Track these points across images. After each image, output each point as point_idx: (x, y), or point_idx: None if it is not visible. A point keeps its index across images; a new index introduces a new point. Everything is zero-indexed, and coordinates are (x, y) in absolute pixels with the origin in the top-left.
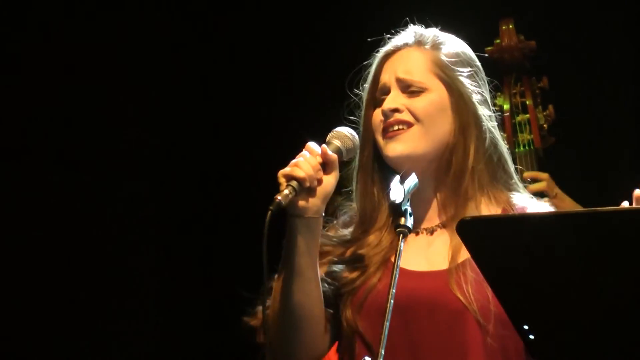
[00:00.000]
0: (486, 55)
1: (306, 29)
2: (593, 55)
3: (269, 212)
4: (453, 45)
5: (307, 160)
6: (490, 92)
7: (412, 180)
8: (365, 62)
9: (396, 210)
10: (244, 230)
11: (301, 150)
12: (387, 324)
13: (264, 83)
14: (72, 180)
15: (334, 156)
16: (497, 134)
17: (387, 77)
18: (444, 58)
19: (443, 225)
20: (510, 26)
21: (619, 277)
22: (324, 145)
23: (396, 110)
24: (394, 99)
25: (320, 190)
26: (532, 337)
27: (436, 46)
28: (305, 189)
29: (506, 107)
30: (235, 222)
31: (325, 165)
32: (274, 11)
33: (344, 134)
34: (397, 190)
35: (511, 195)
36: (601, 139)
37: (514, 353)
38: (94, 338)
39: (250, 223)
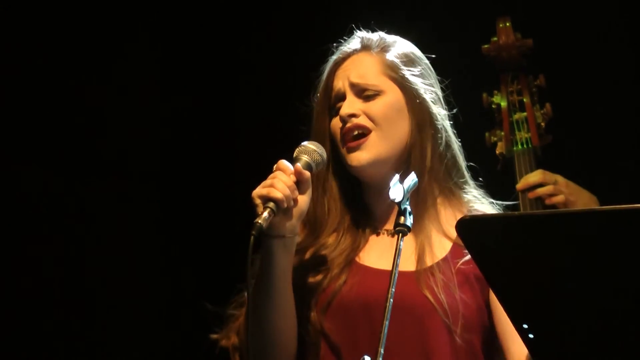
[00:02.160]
0: (483, 52)
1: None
2: (591, 53)
3: (252, 237)
4: (400, 46)
5: (282, 181)
6: (486, 89)
7: (412, 179)
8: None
9: (355, 211)
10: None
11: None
12: (386, 322)
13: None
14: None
15: (308, 174)
16: (451, 132)
17: (340, 84)
18: (393, 59)
19: None
20: (508, 24)
21: (619, 276)
22: (297, 164)
23: (353, 115)
24: (351, 104)
25: (296, 210)
26: (531, 336)
27: (385, 48)
28: (282, 209)
29: (503, 105)
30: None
31: (299, 184)
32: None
33: (312, 149)
34: (397, 190)
35: (464, 195)
36: (599, 137)
37: (481, 354)
38: (87, 342)
39: (212, 242)
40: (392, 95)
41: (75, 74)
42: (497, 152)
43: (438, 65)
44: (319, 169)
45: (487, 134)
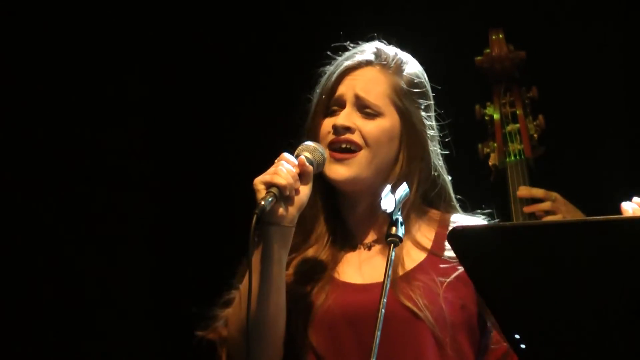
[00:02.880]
0: (476, 64)
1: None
2: (583, 65)
3: (254, 216)
4: (413, 71)
5: (286, 170)
6: (479, 101)
7: (403, 189)
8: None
9: (334, 223)
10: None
11: (273, 161)
12: (378, 333)
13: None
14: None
15: (310, 167)
16: (443, 171)
17: (344, 90)
18: (404, 86)
19: (379, 241)
20: (500, 36)
21: (611, 286)
22: (301, 157)
23: (348, 129)
24: (348, 116)
25: (297, 200)
26: (523, 346)
27: (399, 71)
28: (284, 197)
29: (496, 116)
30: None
31: (301, 176)
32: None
33: (313, 147)
34: (389, 200)
35: (448, 216)
36: (591, 148)
37: (470, 355)
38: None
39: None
40: (390, 122)
41: (71, 80)
42: (490, 163)
43: (431, 77)
44: (319, 170)
45: (480, 146)
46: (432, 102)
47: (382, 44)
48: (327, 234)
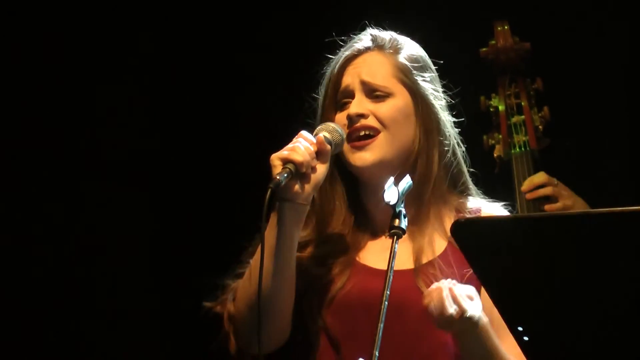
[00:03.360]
0: (481, 56)
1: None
2: (588, 56)
3: (269, 190)
4: (411, 48)
5: (304, 146)
6: (483, 92)
7: (406, 181)
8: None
9: (356, 211)
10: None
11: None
12: (381, 325)
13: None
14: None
15: (328, 146)
16: (458, 140)
17: (350, 80)
18: (406, 62)
19: None
20: (506, 27)
21: (613, 279)
22: (319, 135)
23: (362, 115)
24: (360, 103)
25: (313, 178)
26: (526, 338)
27: (396, 50)
28: (300, 174)
29: (501, 108)
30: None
31: (319, 155)
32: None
33: (332, 127)
34: (392, 192)
35: (467, 200)
36: (596, 140)
37: None
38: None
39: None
40: (402, 99)
41: (71, 76)
42: (495, 155)
43: (436, 68)
44: (337, 151)
45: (484, 137)
46: (435, 74)
47: (376, 30)
48: (347, 222)
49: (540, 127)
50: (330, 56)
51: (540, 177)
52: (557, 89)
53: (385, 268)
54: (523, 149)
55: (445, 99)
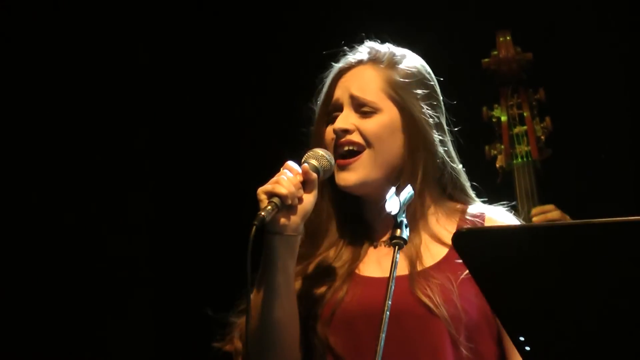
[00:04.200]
0: (483, 66)
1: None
2: (590, 67)
3: (253, 227)
4: (409, 63)
5: (288, 178)
6: (486, 103)
7: (408, 191)
8: (321, 75)
9: (353, 223)
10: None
11: (279, 169)
12: (382, 335)
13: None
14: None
15: (314, 175)
16: (453, 154)
17: (340, 93)
18: (398, 78)
19: None
20: (508, 38)
21: (617, 289)
22: (305, 165)
23: (347, 131)
24: (346, 118)
25: (300, 209)
26: (528, 348)
27: (392, 65)
28: (286, 206)
29: (503, 118)
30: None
31: (305, 184)
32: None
33: (320, 154)
34: (393, 202)
35: (467, 208)
36: (598, 150)
37: (488, 356)
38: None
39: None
40: (389, 116)
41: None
42: (497, 165)
43: (438, 79)
44: (326, 176)
45: (487, 148)
46: (433, 91)
47: (375, 43)
48: (344, 235)
49: (542, 137)
50: (334, 64)
51: (554, 214)
52: (559, 100)
53: (383, 276)
54: (525, 159)
55: (439, 115)
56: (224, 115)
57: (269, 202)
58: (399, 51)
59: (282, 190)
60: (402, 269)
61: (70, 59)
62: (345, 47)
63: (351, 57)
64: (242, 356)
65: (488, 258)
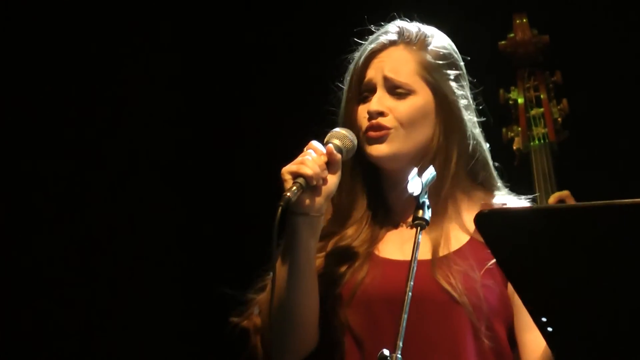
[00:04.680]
0: (499, 49)
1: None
2: (607, 48)
3: (279, 208)
4: (439, 43)
5: (312, 158)
6: (502, 85)
7: (430, 172)
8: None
9: (375, 203)
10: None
11: (303, 149)
12: (404, 315)
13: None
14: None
15: (339, 155)
16: (481, 139)
17: (373, 74)
18: (431, 60)
19: None
20: (524, 20)
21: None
22: (329, 145)
23: (381, 113)
24: (380, 100)
25: (325, 190)
26: (550, 329)
27: (424, 46)
28: (310, 187)
29: (520, 101)
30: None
31: (329, 165)
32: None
33: (343, 134)
34: (415, 183)
35: (494, 196)
36: (615, 132)
37: (506, 344)
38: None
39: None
40: (423, 98)
41: (91, 71)
42: (514, 147)
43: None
44: (349, 156)
45: (503, 130)
46: (462, 71)
47: (404, 22)
48: (366, 215)
49: (559, 119)
50: (360, 42)
51: (566, 194)
52: (576, 82)
53: (403, 259)
54: (542, 141)
55: (468, 97)
56: (253, 95)
57: (294, 183)
58: (428, 30)
59: (307, 170)
60: (424, 254)
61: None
62: (371, 26)
63: (383, 38)
64: (261, 334)
65: (510, 238)
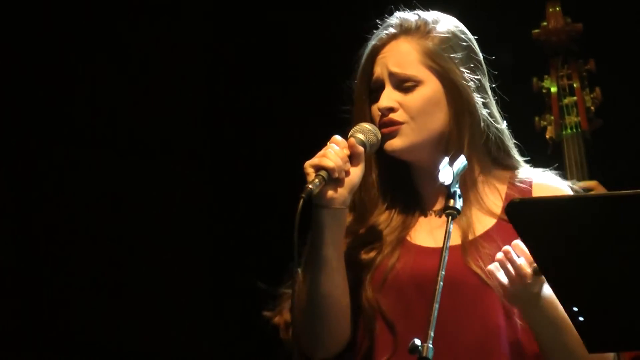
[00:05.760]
0: (533, 37)
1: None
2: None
3: (301, 200)
4: (441, 27)
5: (335, 151)
6: (536, 74)
7: (461, 162)
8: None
9: (403, 192)
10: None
11: (326, 144)
12: (436, 305)
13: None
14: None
15: (361, 149)
16: (496, 114)
17: (379, 71)
18: (433, 46)
19: None
20: (557, 8)
21: None
22: (351, 138)
23: (391, 109)
24: (389, 96)
25: (348, 182)
26: (581, 319)
27: (425, 33)
28: (333, 179)
29: (553, 89)
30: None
31: (352, 158)
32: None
33: (367, 128)
34: (446, 172)
35: (516, 172)
36: None
37: None
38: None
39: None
40: (431, 87)
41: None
42: (547, 136)
43: (487, 50)
44: (372, 150)
45: (536, 119)
46: (470, 51)
47: (404, 13)
48: (394, 205)
49: (592, 108)
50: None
51: (594, 184)
52: (609, 70)
53: (435, 246)
54: (574, 130)
55: (479, 75)
56: (280, 90)
57: (316, 176)
58: (429, 16)
59: (329, 163)
60: (454, 239)
61: None
62: (376, 20)
63: (383, 33)
64: (292, 329)
65: (541, 228)
